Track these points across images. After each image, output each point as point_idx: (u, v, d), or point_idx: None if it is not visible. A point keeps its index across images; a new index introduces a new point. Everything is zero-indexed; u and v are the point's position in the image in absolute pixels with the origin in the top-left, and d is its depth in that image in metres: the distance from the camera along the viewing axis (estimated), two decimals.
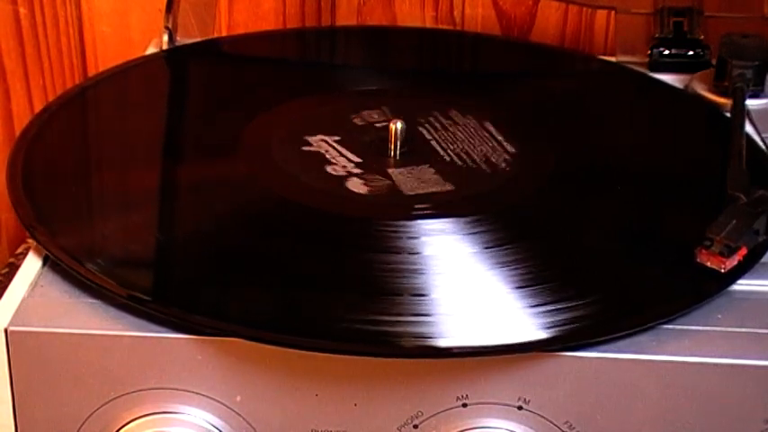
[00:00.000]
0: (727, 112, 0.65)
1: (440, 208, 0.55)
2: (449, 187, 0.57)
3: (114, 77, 0.69)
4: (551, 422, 0.49)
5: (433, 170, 0.58)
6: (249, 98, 0.67)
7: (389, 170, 0.58)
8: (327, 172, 0.58)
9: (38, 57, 0.87)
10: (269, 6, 0.86)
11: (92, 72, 0.87)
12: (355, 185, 0.56)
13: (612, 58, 0.75)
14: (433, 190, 0.56)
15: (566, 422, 0.49)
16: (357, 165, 0.59)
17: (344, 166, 0.58)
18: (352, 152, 0.59)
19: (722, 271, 0.51)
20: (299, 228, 0.54)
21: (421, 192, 0.56)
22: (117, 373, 0.49)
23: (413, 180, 0.57)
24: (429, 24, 0.85)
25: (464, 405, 0.49)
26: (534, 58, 0.76)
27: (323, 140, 0.60)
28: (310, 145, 0.60)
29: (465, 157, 0.59)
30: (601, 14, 0.85)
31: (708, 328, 0.49)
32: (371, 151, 0.60)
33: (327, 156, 0.59)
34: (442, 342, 0.47)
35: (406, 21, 0.85)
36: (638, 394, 0.48)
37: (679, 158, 0.62)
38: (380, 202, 0.56)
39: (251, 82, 0.70)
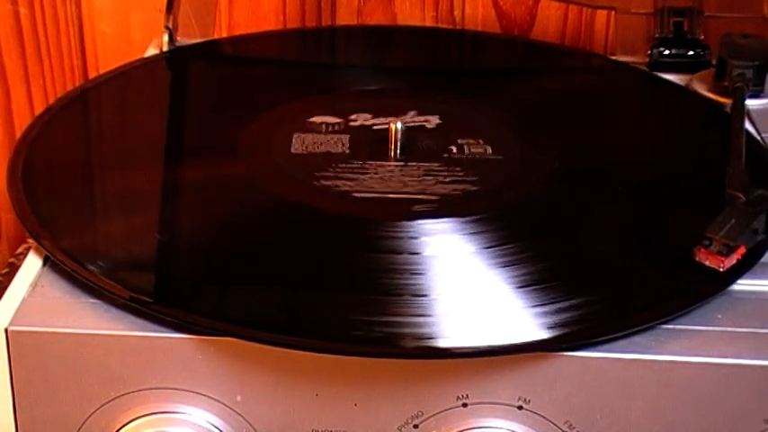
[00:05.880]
0: (727, 111, 0.65)
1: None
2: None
3: (115, 79, 0.69)
4: (551, 422, 0.49)
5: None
6: (249, 98, 0.67)
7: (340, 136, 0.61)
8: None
9: (38, 57, 0.87)
10: (269, 6, 0.86)
11: (92, 72, 0.87)
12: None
13: (613, 59, 0.75)
14: (327, 149, 0.60)
15: (566, 422, 0.49)
16: (338, 123, 0.62)
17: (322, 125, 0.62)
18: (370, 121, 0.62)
19: (721, 270, 0.51)
20: (299, 228, 0.54)
21: (309, 153, 0.60)
22: (117, 373, 0.49)
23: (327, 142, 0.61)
24: (429, 24, 0.85)
25: (464, 405, 0.49)
26: (539, 55, 0.76)
27: (359, 116, 0.63)
28: (342, 116, 0.63)
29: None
30: (601, 14, 0.85)
31: (708, 328, 0.49)
32: (372, 141, 0.61)
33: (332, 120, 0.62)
34: (442, 342, 0.47)
35: (406, 21, 0.85)
36: (637, 394, 0.48)
37: (680, 158, 0.62)
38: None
39: (251, 82, 0.70)
